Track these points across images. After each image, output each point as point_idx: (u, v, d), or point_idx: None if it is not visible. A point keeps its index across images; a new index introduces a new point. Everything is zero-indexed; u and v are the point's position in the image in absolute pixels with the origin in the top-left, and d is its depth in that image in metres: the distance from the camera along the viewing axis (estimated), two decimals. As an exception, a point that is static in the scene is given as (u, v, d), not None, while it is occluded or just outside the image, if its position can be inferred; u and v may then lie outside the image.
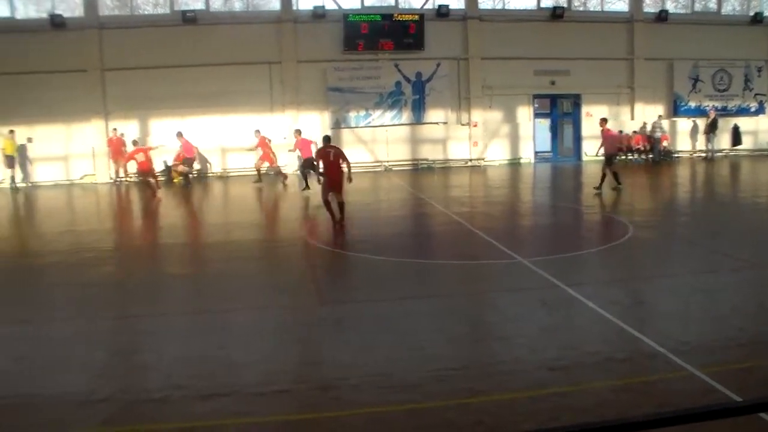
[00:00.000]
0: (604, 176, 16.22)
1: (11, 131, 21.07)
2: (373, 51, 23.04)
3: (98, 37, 21.55)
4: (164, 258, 11.37)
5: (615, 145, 16.99)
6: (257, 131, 20.03)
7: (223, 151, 22.26)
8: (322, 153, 12.42)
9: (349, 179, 12.48)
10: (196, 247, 12.11)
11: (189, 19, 21.88)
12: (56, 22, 21.33)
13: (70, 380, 5.84)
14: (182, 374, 5.88)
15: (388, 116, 23.31)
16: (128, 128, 21.58)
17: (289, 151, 20.48)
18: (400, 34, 23.06)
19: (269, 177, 20.71)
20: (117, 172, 21.23)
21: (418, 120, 23.53)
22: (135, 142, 18.85)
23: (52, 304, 8.38)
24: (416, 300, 8.11)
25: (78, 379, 5.87)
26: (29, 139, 21.78)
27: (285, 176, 19.78)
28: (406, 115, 23.43)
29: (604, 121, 17.00)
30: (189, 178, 20.44)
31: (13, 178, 21.31)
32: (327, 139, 12.95)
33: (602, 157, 16.84)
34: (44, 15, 21.67)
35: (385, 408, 5.19)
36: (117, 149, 21.11)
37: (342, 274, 9.86)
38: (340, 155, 12.27)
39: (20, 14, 22.06)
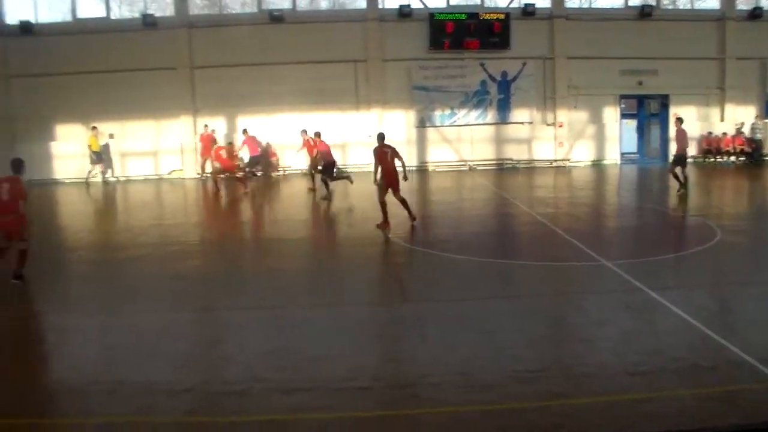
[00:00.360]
0: (678, 176, 15.63)
1: (94, 128, 21.37)
2: (458, 50, 22.77)
3: (188, 35, 21.78)
4: (247, 252, 11.53)
5: (683, 145, 15.83)
6: (303, 131, 18.46)
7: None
8: (380, 153, 11.96)
9: (405, 177, 12.15)
10: (272, 242, 12.02)
11: (276, 17, 21.98)
12: (148, 22, 21.66)
13: (157, 370, 6.02)
14: (263, 367, 5.98)
15: (473, 115, 22.97)
16: (216, 125, 21.67)
17: (297, 152, 19.53)
18: (485, 33, 22.75)
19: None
20: (203, 168, 21.29)
21: (503, 119, 23.13)
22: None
23: (140, 295, 8.52)
24: (498, 300, 8.05)
25: (164, 369, 6.05)
26: (111, 135, 22.09)
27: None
28: (491, 115, 23.07)
29: (679, 120, 16.07)
30: (249, 176, 20.42)
31: (103, 173, 21.59)
32: (382, 137, 12.31)
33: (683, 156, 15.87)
34: (137, 15, 22.00)
35: (463, 408, 5.15)
36: (207, 145, 21.17)
37: (424, 272, 9.63)
38: (396, 154, 11.92)
39: (114, 14, 22.43)
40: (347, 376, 5.73)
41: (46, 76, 21.43)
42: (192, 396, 5.42)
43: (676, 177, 15.58)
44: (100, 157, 21.57)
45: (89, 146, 21.49)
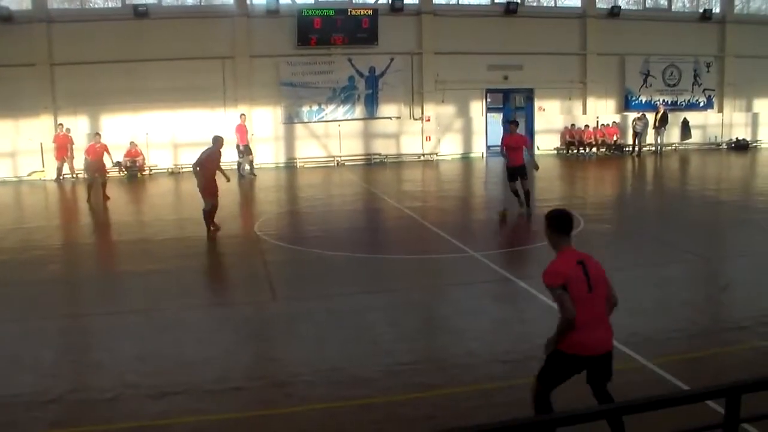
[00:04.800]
0: (519, 193, 13.34)
1: None
2: (326, 46, 23.09)
3: (47, 30, 21.28)
4: (116, 255, 11.69)
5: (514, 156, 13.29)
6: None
7: (175, 146, 22.16)
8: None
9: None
10: (140, 244, 12.12)
11: (141, 13, 21.67)
12: (3, 15, 20.97)
13: (19, 381, 5.84)
14: (134, 373, 5.93)
15: (341, 111, 23.42)
16: (78, 124, 21.40)
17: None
18: (353, 29, 23.11)
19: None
20: (60, 170, 20.91)
21: (371, 115, 23.68)
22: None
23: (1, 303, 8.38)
24: (370, 294, 8.35)
25: (27, 380, 5.88)
26: None
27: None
28: (359, 110, 23.56)
29: (514, 124, 13.88)
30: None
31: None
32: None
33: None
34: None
35: (337, 403, 5.31)
36: (63, 145, 20.81)
37: (295, 269, 9.94)
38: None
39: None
40: (220, 377, 5.78)
41: None
42: (58, 406, 5.31)
43: (516, 194, 13.31)
44: None
45: None
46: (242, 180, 20.03)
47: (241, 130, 20.96)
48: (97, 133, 17.89)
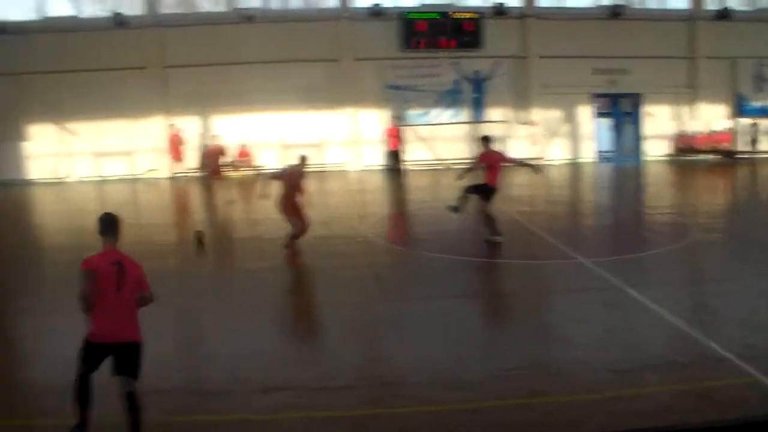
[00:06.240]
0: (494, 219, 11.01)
1: None
2: (430, 49, 22.81)
3: (158, 34, 21.66)
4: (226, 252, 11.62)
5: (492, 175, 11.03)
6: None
7: (283, 147, 21.89)
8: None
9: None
10: (256, 242, 11.76)
11: (247, 16, 21.91)
12: (118, 21, 21.52)
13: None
14: (244, 367, 6.01)
15: (447, 114, 22.98)
16: (189, 125, 21.56)
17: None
18: (457, 32, 22.84)
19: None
20: (174, 169, 21.11)
21: (477, 118, 23.15)
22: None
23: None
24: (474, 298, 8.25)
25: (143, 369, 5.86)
26: (72, 132, 21.89)
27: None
28: (464, 114, 23.08)
29: (486, 140, 11.34)
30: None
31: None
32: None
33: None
34: (107, 13, 21.85)
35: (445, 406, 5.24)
36: (175, 145, 21.05)
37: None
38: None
39: (84, 13, 22.27)
40: (327, 375, 5.79)
41: (16, 75, 21.21)
42: (171, 396, 5.42)
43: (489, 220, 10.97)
44: None
45: None
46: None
47: (393, 133, 20.67)
48: (214, 135, 17.95)
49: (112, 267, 4.71)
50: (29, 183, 21.56)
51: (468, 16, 23.02)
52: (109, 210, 5.03)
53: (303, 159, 10.89)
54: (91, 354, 4.74)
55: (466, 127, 23.17)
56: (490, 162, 10.94)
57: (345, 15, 22.49)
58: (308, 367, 6.06)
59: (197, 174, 18.84)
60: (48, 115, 21.64)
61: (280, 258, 10.16)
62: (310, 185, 10.75)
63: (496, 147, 11.61)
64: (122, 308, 4.72)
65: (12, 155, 21.48)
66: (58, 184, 21.31)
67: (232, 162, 20.30)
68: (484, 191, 10.89)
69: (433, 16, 22.81)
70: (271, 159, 21.95)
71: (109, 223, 4.91)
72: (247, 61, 21.67)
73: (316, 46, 22.13)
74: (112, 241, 4.87)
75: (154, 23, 21.68)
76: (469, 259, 10.18)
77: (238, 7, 22.21)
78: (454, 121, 23.06)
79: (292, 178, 10.56)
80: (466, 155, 23.13)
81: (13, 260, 10.71)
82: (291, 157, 21.18)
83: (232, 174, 20.75)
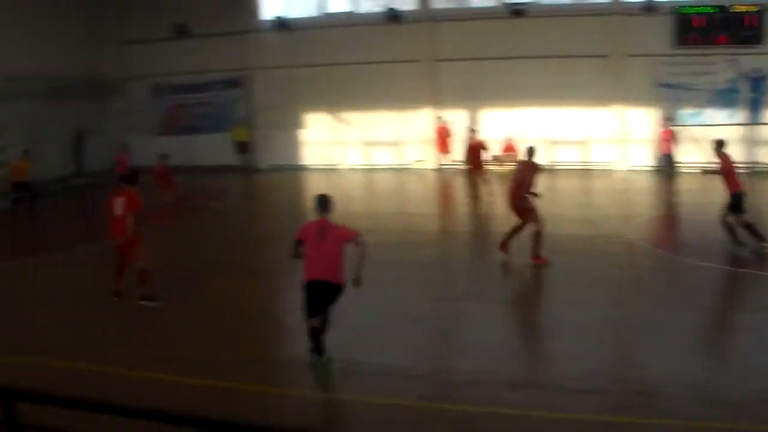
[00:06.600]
0: (734, 228, 10.76)
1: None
2: (705, 45, 21.67)
3: (431, 29, 22.33)
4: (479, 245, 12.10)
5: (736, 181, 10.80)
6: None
7: (550, 143, 21.91)
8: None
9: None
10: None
11: (517, 11, 21.98)
12: (392, 16, 22.40)
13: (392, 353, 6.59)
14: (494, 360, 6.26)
15: (721, 115, 21.81)
16: (457, 117, 22.11)
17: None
18: (735, 27, 21.48)
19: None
20: (440, 160, 21.75)
21: (755, 120, 21.77)
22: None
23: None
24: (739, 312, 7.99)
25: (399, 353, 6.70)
26: (345, 122, 23.11)
27: None
28: (741, 115, 21.78)
29: (719, 144, 11.24)
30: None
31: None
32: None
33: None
34: (382, 9, 22.81)
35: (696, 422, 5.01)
36: (442, 137, 21.63)
37: None
38: None
39: (360, 9, 23.42)
40: (578, 376, 5.74)
41: (297, 68, 22.78)
42: (423, 382, 5.80)
43: (731, 230, 10.61)
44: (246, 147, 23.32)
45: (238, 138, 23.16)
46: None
47: (667, 135, 20.33)
48: (472, 129, 18.24)
49: (316, 226, 6.39)
50: (304, 168, 23.16)
51: (750, 9, 21.58)
52: (332, 193, 6.42)
53: (531, 151, 10.78)
54: (305, 293, 6.13)
55: (742, 129, 21.85)
56: (727, 168, 10.78)
57: (617, 10, 21.90)
58: (558, 366, 6.06)
59: (462, 166, 19.24)
60: (322, 105, 23.10)
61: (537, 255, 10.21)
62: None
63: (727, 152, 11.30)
64: (323, 256, 6.11)
65: (291, 142, 23.20)
66: (330, 171, 22.72)
67: (496, 156, 20.56)
68: (734, 201, 10.51)
69: (710, 10, 21.61)
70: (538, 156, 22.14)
71: (322, 202, 6.54)
72: (516, 56, 21.78)
73: (586, 42, 21.76)
74: (324, 215, 6.49)
75: (426, 18, 22.33)
76: (733, 269, 9.84)
77: (508, 2, 22.29)
78: (729, 122, 21.80)
79: (525, 174, 10.39)
80: (741, 159, 21.95)
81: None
82: (557, 154, 21.73)
83: (497, 168, 21.12)
